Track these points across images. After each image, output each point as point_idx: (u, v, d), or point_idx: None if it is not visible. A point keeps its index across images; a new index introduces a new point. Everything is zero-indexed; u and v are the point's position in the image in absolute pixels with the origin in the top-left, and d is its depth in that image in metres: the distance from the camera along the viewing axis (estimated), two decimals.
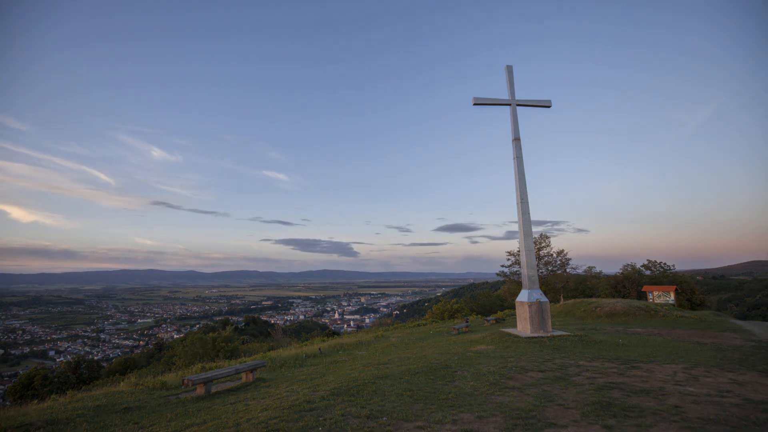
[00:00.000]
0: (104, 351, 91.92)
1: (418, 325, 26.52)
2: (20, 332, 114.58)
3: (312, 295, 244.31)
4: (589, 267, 39.33)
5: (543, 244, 37.64)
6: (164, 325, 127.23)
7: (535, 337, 12.58)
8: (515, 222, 16.40)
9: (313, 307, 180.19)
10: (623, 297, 34.35)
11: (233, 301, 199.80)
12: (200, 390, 8.48)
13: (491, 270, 47.34)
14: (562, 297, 34.80)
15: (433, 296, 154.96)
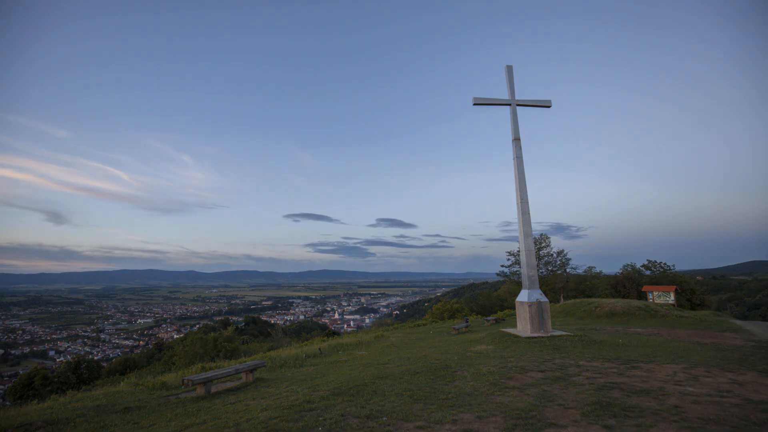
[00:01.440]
0: (104, 351, 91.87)
1: (418, 325, 26.52)
2: (20, 332, 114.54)
3: (312, 295, 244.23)
4: (589, 267, 39.42)
5: (543, 244, 37.66)
6: (164, 325, 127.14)
7: (535, 337, 12.58)
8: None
9: (313, 307, 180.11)
10: (623, 297, 34.35)
11: (233, 301, 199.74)
12: (200, 390, 8.48)
13: (491, 270, 47.38)
14: (562, 297, 34.81)
15: (433, 296, 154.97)
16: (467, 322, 20.57)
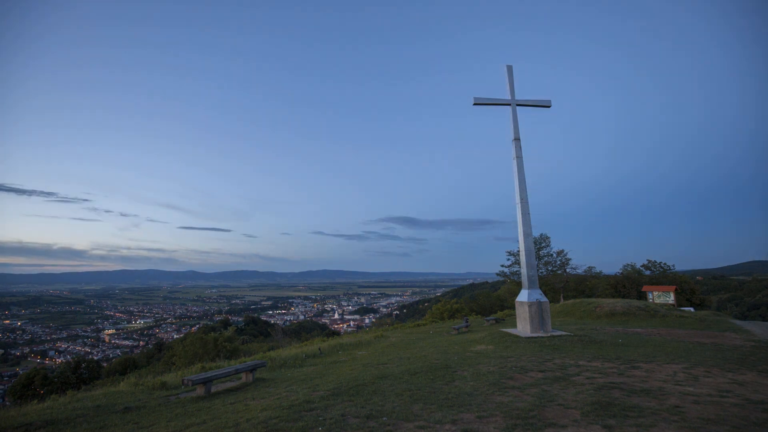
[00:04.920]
0: (104, 351, 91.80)
1: (418, 325, 26.53)
2: (20, 332, 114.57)
3: (312, 295, 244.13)
4: (589, 267, 39.43)
5: (543, 244, 37.67)
6: (164, 325, 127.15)
7: (535, 337, 12.57)
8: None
9: (313, 307, 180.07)
10: (623, 297, 34.35)
11: (233, 301, 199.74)
12: (200, 390, 8.48)
13: (491, 270, 47.39)
14: (562, 297, 34.82)
15: (432, 296, 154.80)
16: (467, 322, 20.55)
